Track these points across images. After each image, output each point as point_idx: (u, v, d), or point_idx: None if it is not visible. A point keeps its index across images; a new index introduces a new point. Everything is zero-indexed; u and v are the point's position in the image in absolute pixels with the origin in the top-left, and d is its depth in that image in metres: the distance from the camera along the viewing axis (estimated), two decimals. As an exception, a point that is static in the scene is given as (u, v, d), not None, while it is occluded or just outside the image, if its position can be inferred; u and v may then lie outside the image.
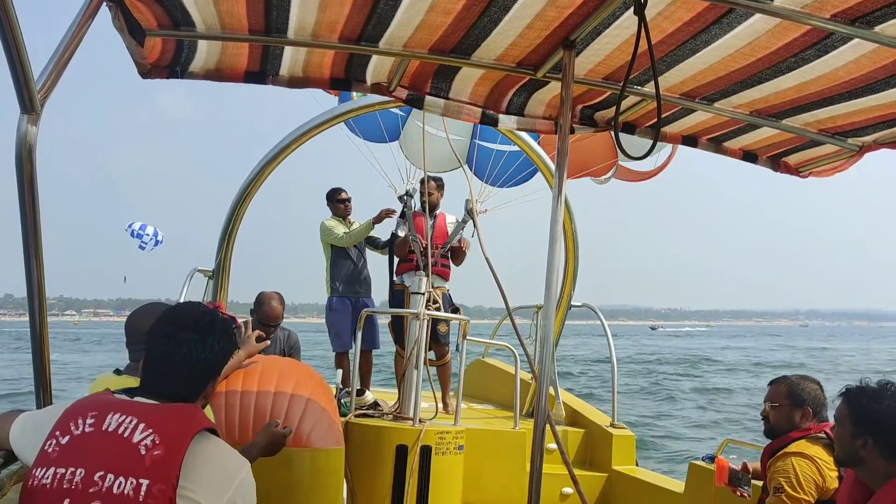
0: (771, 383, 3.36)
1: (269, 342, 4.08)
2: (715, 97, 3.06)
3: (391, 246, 6.28)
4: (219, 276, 5.47)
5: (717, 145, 3.62)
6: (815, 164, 3.61)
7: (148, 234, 23.58)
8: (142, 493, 1.66)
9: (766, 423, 3.31)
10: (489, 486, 5.15)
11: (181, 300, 5.12)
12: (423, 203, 6.14)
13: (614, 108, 3.26)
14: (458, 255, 6.22)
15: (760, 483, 3.37)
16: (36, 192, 1.92)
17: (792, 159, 3.65)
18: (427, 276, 5.38)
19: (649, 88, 3.05)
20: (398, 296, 6.10)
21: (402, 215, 6.22)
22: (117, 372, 2.72)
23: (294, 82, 3.12)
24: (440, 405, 5.82)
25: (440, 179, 6.33)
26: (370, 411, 4.99)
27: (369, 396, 5.10)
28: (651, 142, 2.94)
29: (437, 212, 6.25)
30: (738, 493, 3.43)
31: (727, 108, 3.14)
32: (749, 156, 3.68)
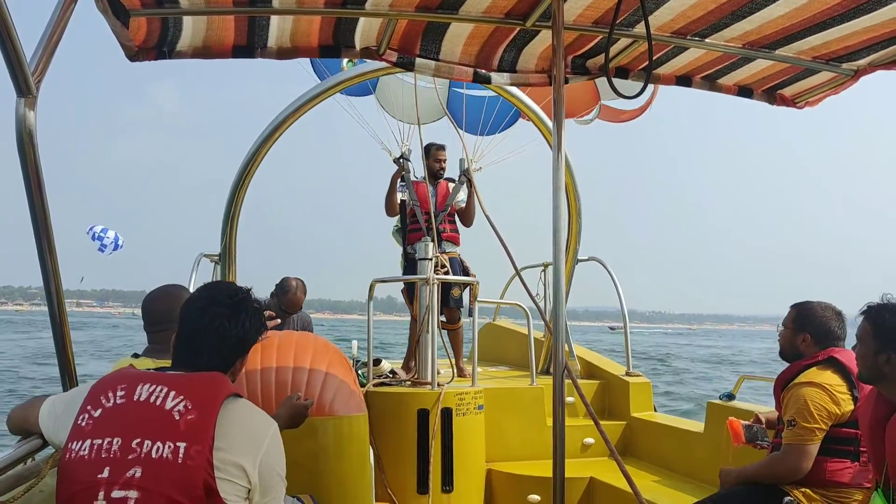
0: (791, 306, 3.38)
1: (279, 321, 4.12)
2: (706, 33, 3.03)
3: (403, 215, 6.26)
4: (225, 259, 5.50)
5: (711, 83, 3.59)
6: (810, 93, 3.59)
7: (109, 238, 24.27)
8: (180, 455, 1.72)
9: (780, 344, 3.36)
10: (511, 442, 5.23)
11: (191, 285, 5.16)
12: (435, 171, 6.14)
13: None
14: (465, 214, 6.17)
15: (773, 430, 3.42)
16: (41, 176, 1.93)
17: (787, 91, 3.63)
18: (433, 240, 5.38)
19: (639, 30, 3.03)
20: (412, 265, 6.11)
21: (403, 178, 6.14)
22: (135, 356, 2.75)
23: (283, 53, 3.11)
24: (455, 371, 5.87)
25: (444, 146, 6.29)
26: (388, 380, 5.05)
27: (386, 365, 5.16)
28: (642, 83, 2.94)
29: (442, 178, 6.23)
30: (758, 447, 3.46)
31: (720, 42, 3.11)
32: (744, 91, 3.66)
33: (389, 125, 6.18)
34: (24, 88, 1.79)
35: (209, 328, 1.97)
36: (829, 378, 3.05)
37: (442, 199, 6.08)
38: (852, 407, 2.99)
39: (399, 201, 6.16)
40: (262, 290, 5.53)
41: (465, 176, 6.02)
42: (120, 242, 24.56)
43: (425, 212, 5.82)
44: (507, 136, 6.60)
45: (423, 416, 4.56)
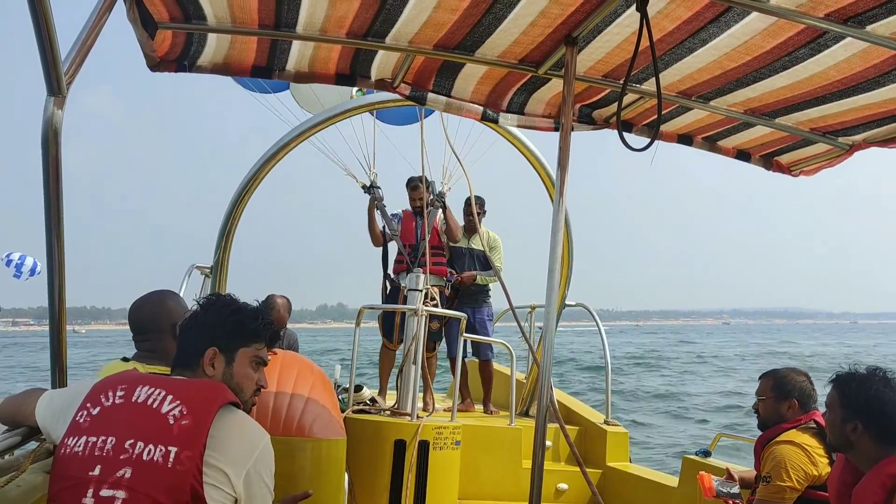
0: (760, 377, 3.44)
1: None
2: (710, 96, 3.14)
3: (385, 245, 6.29)
4: (217, 273, 5.50)
5: (711, 144, 3.70)
6: (805, 163, 3.70)
7: (26, 266, 24.70)
8: (171, 459, 1.73)
9: (758, 415, 3.39)
10: (485, 480, 5.21)
11: (181, 294, 5.16)
12: (417, 207, 6.22)
13: (613, 105, 3.35)
14: (448, 233, 6.19)
15: (749, 489, 3.44)
16: (60, 176, 1.95)
17: (784, 158, 3.74)
18: (426, 272, 5.43)
19: (647, 86, 3.13)
20: (394, 294, 6.16)
21: (377, 208, 6.13)
22: (125, 359, 2.75)
23: (300, 77, 3.18)
24: (431, 403, 5.87)
25: (420, 181, 6.28)
26: (367, 407, 5.03)
27: (367, 392, 5.15)
28: (644, 137, 3.02)
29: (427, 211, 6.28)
30: (731, 503, 3.49)
31: (722, 106, 3.22)
32: (742, 154, 3.76)
33: (353, 151, 5.96)
34: (56, 87, 1.83)
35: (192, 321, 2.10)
36: (809, 440, 3.10)
37: (432, 234, 6.10)
38: (829, 471, 3.03)
39: (381, 230, 6.18)
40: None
41: (439, 201, 6.10)
42: (38, 269, 24.79)
43: (409, 244, 5.90)
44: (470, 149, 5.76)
45: (400, 446, 4.54)
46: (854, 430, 2.49)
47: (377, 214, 6.15)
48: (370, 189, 6.06)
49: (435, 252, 6.05)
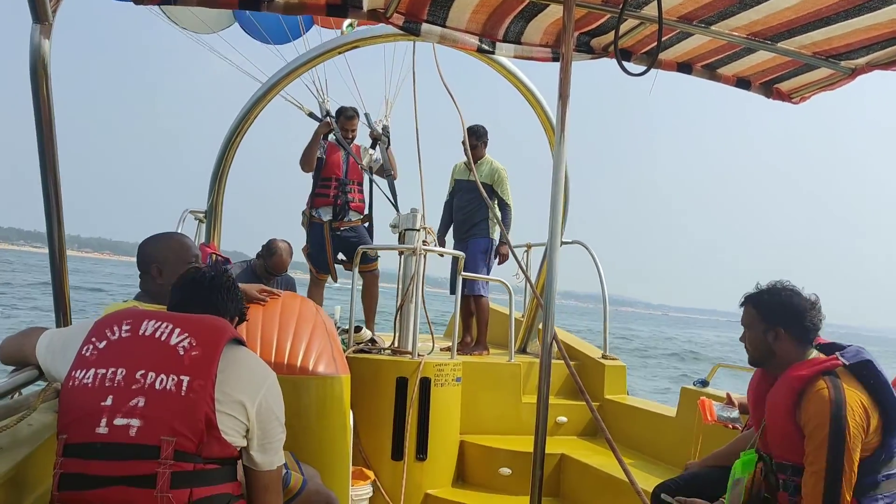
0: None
1: (266, 301, 4.15)
2: (713, 20, 3.06)
3: (316, 174, 6.08)
4: (211, 217, 5.45)
5: (711, 72, 3.63)
6: (806, 89, 3.65)
7: None
8: (183, 387, 1.75)
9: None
10: (485, 416, 5.29)
11: None
12: (346, 139, 6.09)
13: (611, 33, 3.27)
14: (391, 170, 6.08)
15: (748, 414, 3.49)
16: (51, 108, 1.88)
17: (784, 86, 3.68)
18: (423, 211, 5.37)
19: (648, 11, 3.05)
20: (317, 228, 6.04)
21: (325, 137, 5.97)
22: (124, 302, 2.74)
23: (289, 8, 3.06)
24: (436, 345, 5.89)
25: (354, 114, 6.16)
26: (367, 347, 5.07)
27: (366, 333, 5.18)
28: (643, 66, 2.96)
29: (354, 144, 6.18)
30: (731, 427, 3.54)
31: (724, 31, 3.14)
32: (742, 82, 3.70)
33: (303, 79, 5.48)
34: (42, 14, 1.74)
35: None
36: None
37: (354, 167, 6.05)
38: None
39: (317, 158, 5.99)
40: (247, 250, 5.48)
41: (386, 136, 6.01)
42: None
43: (335, 177, 5.88)
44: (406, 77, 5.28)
45: (402, 384, 4.60)
46: (776, 338, 2.63)
47: (322, 143, 5.97)
48: (326, 117, 5.91)
49: (360, 189, 6.11)
